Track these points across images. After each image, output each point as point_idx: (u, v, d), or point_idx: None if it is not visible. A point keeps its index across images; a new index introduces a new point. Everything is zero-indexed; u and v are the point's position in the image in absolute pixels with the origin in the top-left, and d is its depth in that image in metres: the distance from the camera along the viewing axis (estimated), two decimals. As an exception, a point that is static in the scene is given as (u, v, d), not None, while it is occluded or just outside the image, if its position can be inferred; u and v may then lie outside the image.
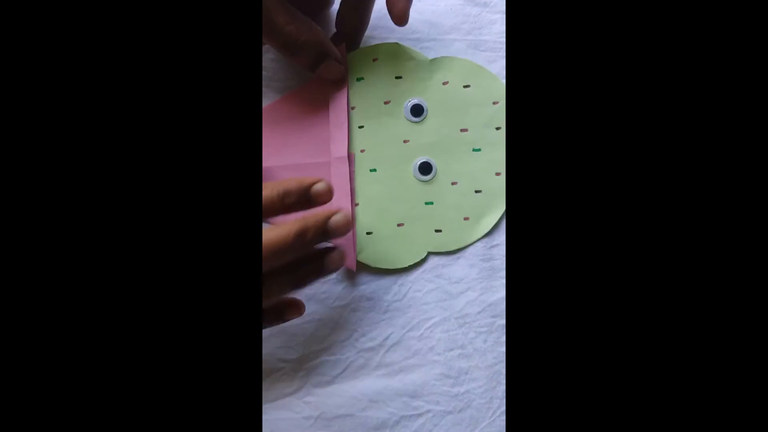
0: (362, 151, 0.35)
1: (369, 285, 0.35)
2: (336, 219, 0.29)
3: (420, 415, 0.34)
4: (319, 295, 0.35)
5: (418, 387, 0.34)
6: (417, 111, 0.35)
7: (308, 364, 0.35)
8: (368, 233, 0.35)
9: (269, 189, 0.29)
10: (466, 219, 0.35)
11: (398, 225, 0.35)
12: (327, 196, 0.30)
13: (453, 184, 0.35)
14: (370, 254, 0.35)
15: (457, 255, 0.35)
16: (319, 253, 0.30)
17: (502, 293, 0.34)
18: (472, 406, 0.34)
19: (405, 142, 0.35)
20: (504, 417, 0.34)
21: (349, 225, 0.30)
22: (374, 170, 0.35)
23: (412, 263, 0.35)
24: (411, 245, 0.35)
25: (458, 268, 0.35)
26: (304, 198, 0.29)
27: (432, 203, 0.35)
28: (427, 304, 0.35)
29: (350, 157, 0.35)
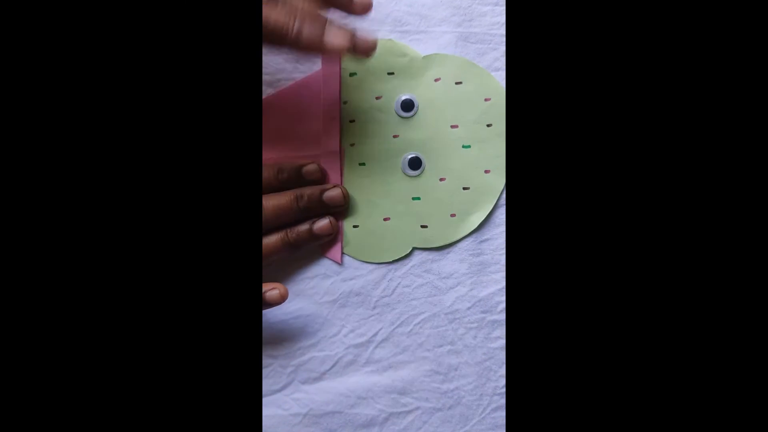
0: (352, 145, 0.35)
1: (358, 280, 0.35)
2: (330, 191, 0.33)
3: (409, 412, 0.34)
4: (307, 290, 0.35)
5: (407, 383, 0.34)
6: (407, 106, 0.35)
7: (296, 360, 0.34)
8: (355, 226, 0.35)
9: (265, 168, 0.33)
10: (452, 216, 0.35)
11: (384, 219, 0.35)
12: (317, 175, 0.33)
13: (441, 180, 0.35)
14: (356, 247, 0.35)
15: (447, 250, 0.35)
16: (312, 220, 0.33)
17: (492, 289, 0.34)
18: (462, 402, 0.34)
19: (395, 137, 0.35)
20: (494, 414, 0.34)
21: (342, 199, 0.33)
22: (363, 164, 0.35)
23: (396, 258, 0.35)
24: (396, 240, 0.35)
25: (448, 263, 0.34)
26: (295, 176, 0.33)
27: (419, 198, 0.35)
28: (416, 300, 0.34)
29: (340, 151, 0.35)
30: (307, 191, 0.33)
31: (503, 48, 0.35)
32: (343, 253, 0.35)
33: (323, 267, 0.35)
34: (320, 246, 0.35)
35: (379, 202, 0.35)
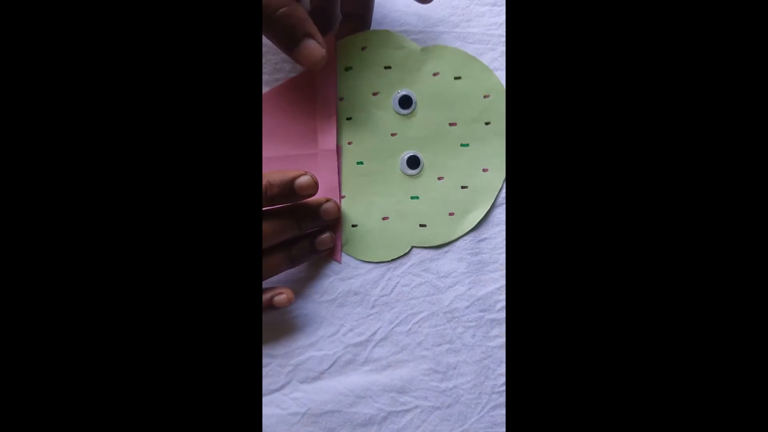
0: (349, 143, 0.35)
1: (356, 279, 0.35)
2: (327, 206, 0.33)
3: (408, 410, 0.34)
4: (305, 289, 0.35)
5: (406, 382, 0.34)
6: (406, 103, 0.35)
7: (295, 359, 0.34)
8: (353, 226, 0.35)
9: None
10: (451, 214, 0.35)
11: (383, 218, 0.35)
12: (311, 189, 0.31)
13: (439, 179, 0.35)
14: (355, 247, 0.35)
15: (445, 249, 0.35)
16: (311, 234, 0.34)
17: (491, 287, 0.34)
18: (461, 401, 0.34)
19: (393, 135, 0.35)
20: (493, 412, 0.34)
21: (337, 211, 0.33)
22: (361, 163, 0.35)
23: (395, 257, 0.35)
24: (395, 239, 0.35)
25: (446, 262, 0.35)
26: (287, 190, 0.30)
27: (417, 198, 0.35)
28: (415, 299, 0.34)
29: (338, 150, 0.35)
30: (306, 211, 0.32)
31: (501, 48, 0.35)
32: (342, 252, 0.35)
33: (321, 266, 0.35)
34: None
35: (377, 202, 0.35)
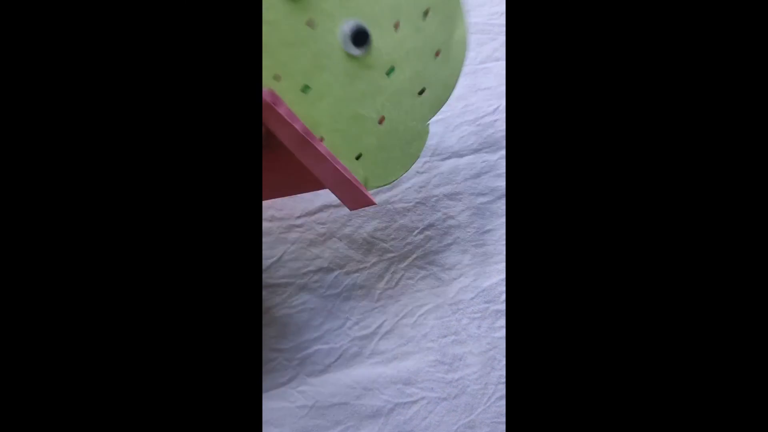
0: (276, 77, 0.26)
1: (361, 273, 0.35)
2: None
3: (415, 402, 0.34)
4: (311, 284, 0.35)
5: (412, 374, 0.34)
6: None
7: (301, 353, 0.34)
8: (358, 158, 0.28)
9: None
10: (436, 55, 0.26)
11: (380, 122, 0.27)
12: None
13: (395, 26, 0.26)
14: (376, 176, 0.28)
15: (450, 241, 0.35)
16: None
17: (495, 279, 0.34)
18: (467, 392, 0.34)
19: (309, 25, 0.25)
20: (499, 402, 0.34)
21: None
22: (308, 88, 0.26)
23: (422, 147, 0.28)
24: (407, 131, 0.28)
25: (450, 254, 0.35)
26: None
27: (392, 69, 0.26)
28: (420, 291, 0.34)
29: (270, 95, 0.26)
30: None
31: (502, 38, 0.35)
32: (369, 193, 0.28)
33: (327, 260, 0.35)
34: (348, 206, 0.28)
35: (360, 113, 0.27)
